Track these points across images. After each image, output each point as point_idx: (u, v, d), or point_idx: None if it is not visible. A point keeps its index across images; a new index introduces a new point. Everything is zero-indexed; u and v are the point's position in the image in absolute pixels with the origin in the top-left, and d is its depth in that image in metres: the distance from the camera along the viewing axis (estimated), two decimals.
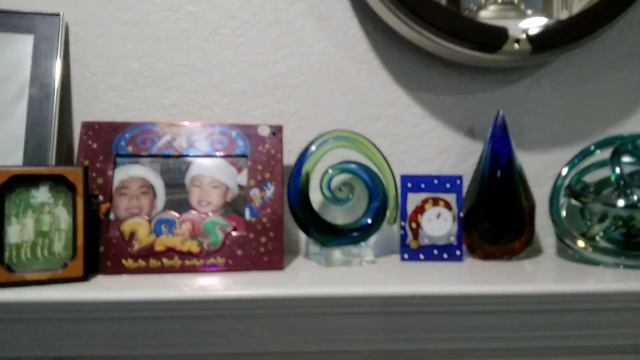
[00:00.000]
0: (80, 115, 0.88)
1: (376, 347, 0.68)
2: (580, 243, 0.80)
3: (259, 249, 0.76)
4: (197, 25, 0.90)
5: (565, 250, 0.88)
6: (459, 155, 0.92)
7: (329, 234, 0.81)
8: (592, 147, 0.82)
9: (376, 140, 0.90)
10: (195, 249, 0.75)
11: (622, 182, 0.75)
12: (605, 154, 0.83)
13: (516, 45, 0.79)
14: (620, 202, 0.76)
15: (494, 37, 0.79)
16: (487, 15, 0.85)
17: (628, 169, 0.79)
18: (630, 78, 0.95)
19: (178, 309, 0.64)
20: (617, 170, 0.76)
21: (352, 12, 0.91)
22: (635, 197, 0.74)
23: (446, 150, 0.93)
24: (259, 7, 0.91)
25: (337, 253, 0.81)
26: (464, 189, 0.85)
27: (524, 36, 0.79)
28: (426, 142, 0.93)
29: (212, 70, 0.90)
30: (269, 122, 0.89)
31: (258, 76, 0.90)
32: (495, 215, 0.83)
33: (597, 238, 0.81)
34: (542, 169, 0.93)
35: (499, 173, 0.84)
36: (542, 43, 0.79)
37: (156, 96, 0.90)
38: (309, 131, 0.90)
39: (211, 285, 0.68)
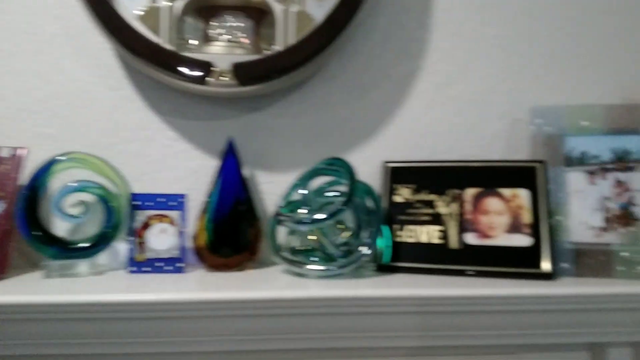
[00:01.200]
0: None
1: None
2: (289, 258, 0.88)
3: None
4: None
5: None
6: (210, 176, 1.00)
7: (54, 247, 0.88)
8: (298, 182, 0.92)
9: (130, 160, 0.99)
10: None
11: (302, 204, 0.84)
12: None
13: (222, 78, 0.88)
14: (304, 220, 0.85)
15: (200, 70, 0.88)
16: (216, 50, 0.94)
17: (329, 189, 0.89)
18: (367, 106, 1.05)
19: None
20: (299, 193, 0.86)
21: (109, 45, 1.00)
22: (314, 216, 0.83)
23: (198, 170, 1.01)
24: (23, 40, 0.99)
25: (66, 265, 0.88)
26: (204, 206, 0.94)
27: (228, 70, 0.88)
28: (179, 163, 1.01)
29: None
30: (28, 144, 0.96)
31: (20, 102, 0.99)
32: (219, 231, 0.91)
33: (307, 252, 0.90)
34: (287, 189, 1.02)
35: (226, 194, 0.92)
36: (245, 76, 0.89)
37: None
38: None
39: None
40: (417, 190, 0.95)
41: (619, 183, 0.90)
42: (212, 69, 0.88)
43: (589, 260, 0.87)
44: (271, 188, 1.02)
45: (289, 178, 1.00)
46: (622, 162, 0.90)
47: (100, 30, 0.92)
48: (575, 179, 0.91)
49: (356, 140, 1.05)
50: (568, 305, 0.79)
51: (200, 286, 0.84)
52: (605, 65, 1.07)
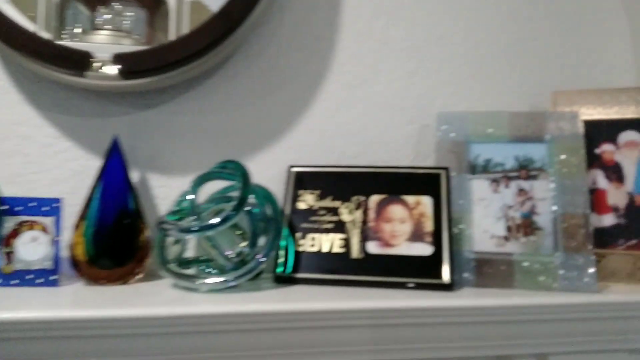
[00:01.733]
0: None
1: None
2: (175, 271, 0.81)
3: None
4: None
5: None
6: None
7: None
8: (190, 189, 0.85)
9: (5, 160, 0.89)
10: None
11: (191, 211, 0.78)
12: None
13: (103, 69, 0.80)
14: (191, 228, 0.77)
15: (77, 61, 0.79)
16: (100, 40, 0.86)
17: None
18: (272, 106, 0.99)
19: None
20: (186, 199, 0.79)
21: None
22: (201, 224, 0.77)
23: (82, 171, 0.92)
24: None
25: None
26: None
27: (109, 61, 0.80)
28: (60, 163, 0.92)
29: None
30: None
31: None
32: (100, 240, 0.82)
33: (199, 263, 0.83)
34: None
35: (108, 198, 0.83)
36: (127, 68, 0.81)
37: None
38: None
39: None
40: (321, 197, 0.90)
41: (522, 191, 0.88)
42: (91, 60, 0.80)
43: (490, 270, 0.85)
44: (165, 193, 0.94)
45: (185, 182, 0.92)
46: (525, 170, 0.89)
47: None
48: (479, 186, 0.89)
49: (261, 142, 0.99)
50: (466, 317, 0.76)
51: (75, 302, 0.75)
52: (511, 73, 1.07)
